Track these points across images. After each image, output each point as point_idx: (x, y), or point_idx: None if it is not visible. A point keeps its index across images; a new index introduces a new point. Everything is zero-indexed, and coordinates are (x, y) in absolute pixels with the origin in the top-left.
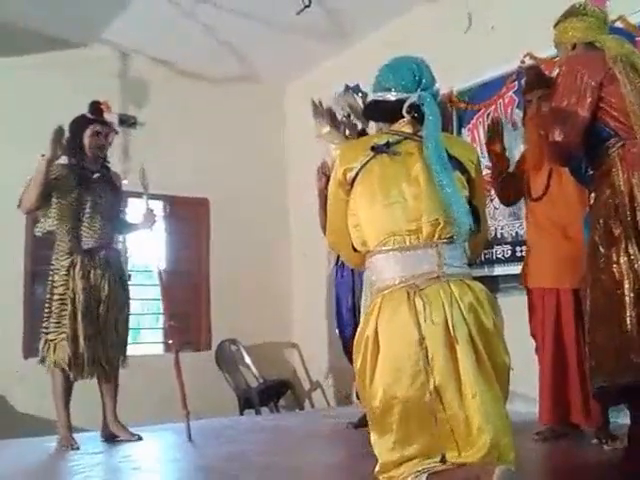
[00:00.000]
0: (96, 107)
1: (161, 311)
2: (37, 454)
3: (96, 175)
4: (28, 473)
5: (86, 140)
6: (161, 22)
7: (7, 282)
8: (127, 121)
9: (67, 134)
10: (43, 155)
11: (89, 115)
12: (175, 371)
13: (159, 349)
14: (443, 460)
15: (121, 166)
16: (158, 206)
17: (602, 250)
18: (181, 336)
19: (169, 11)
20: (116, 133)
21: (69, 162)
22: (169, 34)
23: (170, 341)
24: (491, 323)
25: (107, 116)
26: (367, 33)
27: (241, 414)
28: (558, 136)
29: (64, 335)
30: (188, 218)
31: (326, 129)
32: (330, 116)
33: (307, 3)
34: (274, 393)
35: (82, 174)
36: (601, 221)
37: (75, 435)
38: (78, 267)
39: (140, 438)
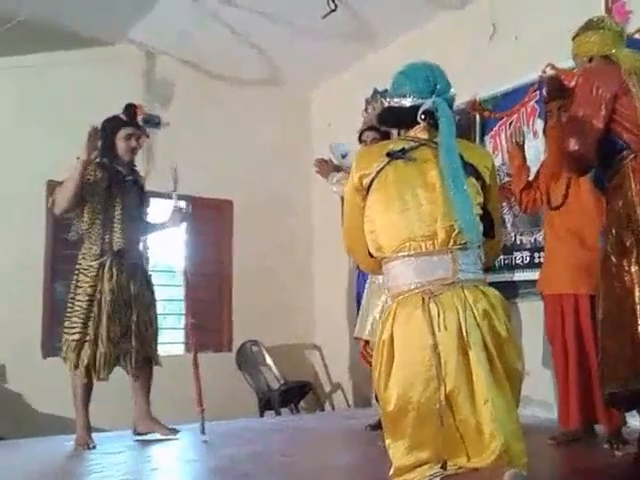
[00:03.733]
0: (132, 110)
1: (183, 311)
2: (55, 453)
3: (128, 177)
4: (46, 472)
5: (118, 142)
6: (187, 23)
7: (27, 282)
8: (151, 121)
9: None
10: (78, 157)
11: (123, 117)
12: (192, 367)
13: (180, 349)
14: (444, 467)
15: (145, 166)
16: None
17: (614, 259)
18: (203, 337)
19: (195, 12)
20: (147, 137)
21: (100, 161)
22: (195, 35)
23: (190, 338)
24: (504, 329)
25: (140, 119)
26: (392, 39)
27: (261, 415)
28: (573, 146)
29: (88, 337)
30: (212, 219)
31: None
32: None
33: (333, 7)
34: (295, 394)
35: (114, 176)
36: (613, 231)
37: (95, 435)
38: (106, 268)
39: (177, 431)
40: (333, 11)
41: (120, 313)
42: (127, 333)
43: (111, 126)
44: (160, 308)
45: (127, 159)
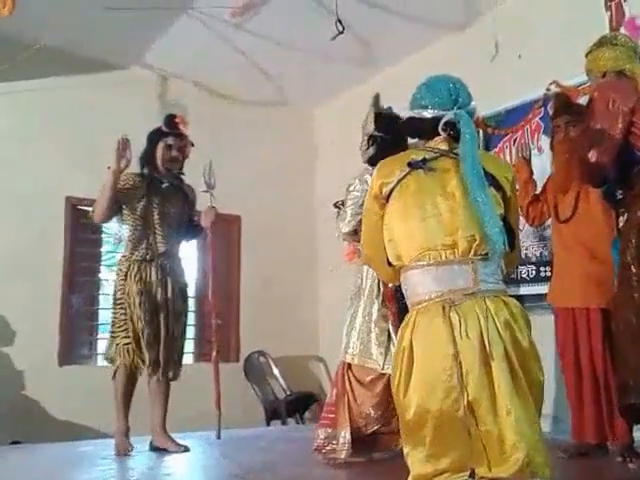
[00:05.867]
0: (171, 120)
1: (192, 322)
2: (70, 458)
3: (165, 185)
4: (60, 476)
5: (158, 152)
6: (199, 47)
7: (45, 291)
8: None
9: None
10: (109, 167)
11: (163, 128)
12: (213, 372)
13: (189, 359)
14: (472, 475)
15: None
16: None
17: (634, 270)
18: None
19: (207, 37)
20: (192, 145)
21: (141, 172)
22: (206, 58)
23: (213, 339)
24: (526, 340)
25: (183, 129)
26: (396, 60)
27: (268, 424)
28: (592, 157)
29: (127, 339)
30: (221, 234)
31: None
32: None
33: (340, 29)
34: (300, 405)
35: (151, 184)
36: (633, 241)
37: (108, 440)
38: (135, 271)
39: (187, 449)
40: (341, 33)
41: (151, 316)
42: (156, 339)
43: (152, 137)
44: None
45: (167, 168)
